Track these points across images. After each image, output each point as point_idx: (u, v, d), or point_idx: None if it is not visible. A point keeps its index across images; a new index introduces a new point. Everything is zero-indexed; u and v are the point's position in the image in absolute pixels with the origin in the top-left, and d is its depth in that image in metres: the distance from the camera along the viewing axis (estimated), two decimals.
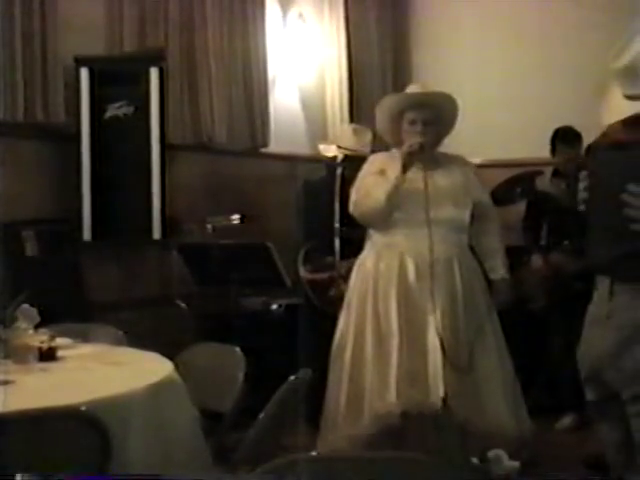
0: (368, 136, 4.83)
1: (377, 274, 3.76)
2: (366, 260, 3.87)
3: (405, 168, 3.70)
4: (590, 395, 2.82)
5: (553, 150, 5.08)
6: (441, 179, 3.80)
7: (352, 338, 3.76)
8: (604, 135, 2.90)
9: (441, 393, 3.51)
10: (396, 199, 3.71)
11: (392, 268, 3.74)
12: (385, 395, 3.59)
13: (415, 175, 3.74)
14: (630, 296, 2.54)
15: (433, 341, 3.59)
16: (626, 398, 2.60)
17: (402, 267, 3.73)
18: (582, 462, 3.96)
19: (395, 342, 3.62)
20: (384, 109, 3.89)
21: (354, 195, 3.86)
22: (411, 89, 4.07)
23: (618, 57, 2.66)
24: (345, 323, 3.85)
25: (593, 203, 2.89)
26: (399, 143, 3.84)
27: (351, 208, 3.86)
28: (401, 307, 3.67)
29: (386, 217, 3.76)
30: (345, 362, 3.75)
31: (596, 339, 2.69)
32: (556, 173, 5.07)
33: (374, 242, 3.88)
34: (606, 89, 2.81)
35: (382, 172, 3.81)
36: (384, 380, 3.61)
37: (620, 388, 2.60)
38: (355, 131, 4.95)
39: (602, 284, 2.67)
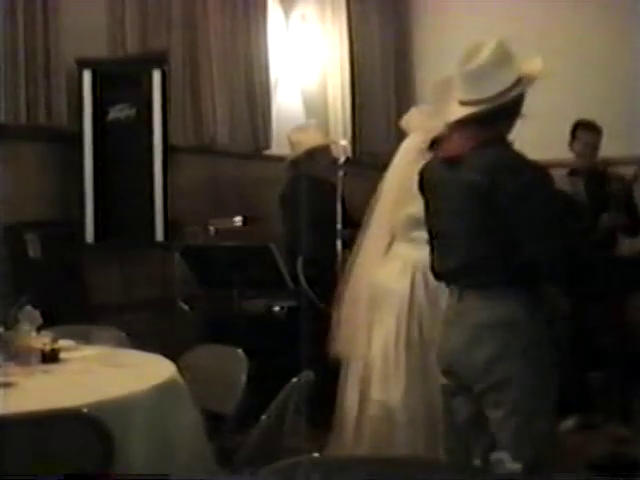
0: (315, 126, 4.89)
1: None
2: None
3: None
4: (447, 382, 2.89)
5: (572, 140, 5.11)
6: None
7: (417, 336, 3.67)
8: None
9: None
10: None
11: None
12: None
13: None
14: (475, 299, 2.64)
15: None
16: (478, 391, 2.71)
17: None
18: (585, 463, 3.96)
19: None
20: None
21: None
22: None
23: (467, 61, 2.66)
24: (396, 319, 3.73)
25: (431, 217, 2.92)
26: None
27: None
28: None
29: None
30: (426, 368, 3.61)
31: (450, 337, 2.81)
32: (573, 172, 5.11)
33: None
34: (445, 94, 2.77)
35: None
36: None
37: (472, 382, 2.73)
38: (304, 129, 5.03)
39: (454, 289, 2.80)
